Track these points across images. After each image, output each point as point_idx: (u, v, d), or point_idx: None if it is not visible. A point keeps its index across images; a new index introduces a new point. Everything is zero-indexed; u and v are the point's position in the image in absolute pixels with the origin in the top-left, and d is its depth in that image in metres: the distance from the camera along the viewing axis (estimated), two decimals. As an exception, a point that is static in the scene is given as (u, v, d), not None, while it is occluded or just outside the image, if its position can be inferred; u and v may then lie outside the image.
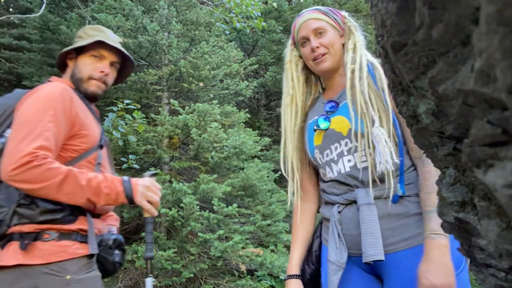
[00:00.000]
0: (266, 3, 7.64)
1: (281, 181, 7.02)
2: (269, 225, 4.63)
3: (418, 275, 1.00)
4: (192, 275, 4.32)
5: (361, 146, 1.16)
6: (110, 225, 1.47)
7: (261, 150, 5.59)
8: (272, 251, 4.88)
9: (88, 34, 1.47)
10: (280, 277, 4.99)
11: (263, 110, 8.44)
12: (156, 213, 1.34)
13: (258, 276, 5.08)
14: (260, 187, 4.82)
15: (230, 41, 6.98)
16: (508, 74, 0.23)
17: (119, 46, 1.47)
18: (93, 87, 1.42)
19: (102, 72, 1.43)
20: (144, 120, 3.82)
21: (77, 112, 1.33)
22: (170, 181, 4.58)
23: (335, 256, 1.14)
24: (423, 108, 0.38)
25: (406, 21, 0.33)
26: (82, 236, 1.25)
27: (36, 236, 1.17)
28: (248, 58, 6.76)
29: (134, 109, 3.59)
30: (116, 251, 1.35)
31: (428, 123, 0.38)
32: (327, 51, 1.26)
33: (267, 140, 5.42)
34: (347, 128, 1.19)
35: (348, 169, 1.19)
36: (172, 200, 4.30)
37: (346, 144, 1.20)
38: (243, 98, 6.36)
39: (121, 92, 5.11)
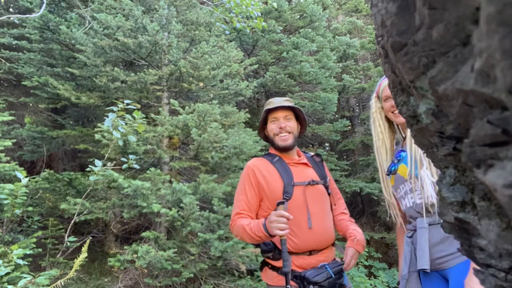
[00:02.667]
0: (266, 3, 7.64)
1: (281, 181, 7.01)
2: (269, 225, 4.62)
3: (464, 283, 1.27)
4: (192, 275, 4.32)
5: (416, 186, 1.49)
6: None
7: (261, 150, 5.59)
8: (272, 251, 4.87)
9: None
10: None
11: (263, 110, 8.43)
12: (284, 233, 1.68)
13: (258, 276, 5.08)
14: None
15: (230, 41, 6.98)
16: (508, 74, 0.23)
17: (282, 104, 1.95)
18: (279, 141, 1.94)
19: (280, 128, 1.93)
20: (144, 120, 3.82)
21: (258, 180, 1.91)
22: (170, 181, 4.58)
23: (401, 271, 1.51)
24: (423, 108, 0.38)
25: (406, 21, 0.33)
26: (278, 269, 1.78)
27: (261, 267, 1.89)
28: (248, 58, 6.76)
29: (134, 109, 3.59)
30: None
31: (428, 123, 0.38)
32: None
33: (267, 140, 5.41)
34: (406, 172, 1.53)
35: (410, 204, 1.54)
36: (172, 200, 4.30)
37: (407, 186, 1.55)
38: (243, 98, 6.36)
39: (121, 92, 5.11)
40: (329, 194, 1.93)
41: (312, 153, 2.09)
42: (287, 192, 1.85)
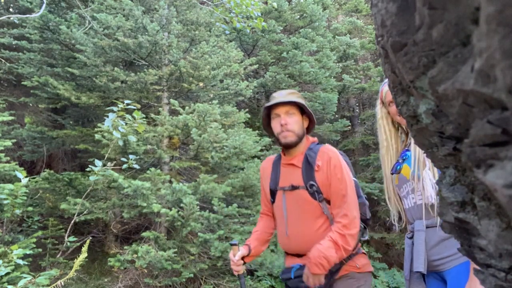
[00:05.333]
0: (266, 3, 7.64)
1: (281, 181, 7.01)
2: (269, 225, 4.62)
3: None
4: (192, 275, 4.32)
5: (417, 187, 1.49)
6: None
7: (261, 150, 5.59)
8: (272, 251, 4.88)
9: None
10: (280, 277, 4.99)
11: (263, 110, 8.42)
12: (239, 271, 1.88)
13: (258, 276, 5.08)
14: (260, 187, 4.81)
15: (230, 41, 6.98)
16: (508, 74, 0.23)
17: (282, 100, 1.80)
18: (281, 139, 1.82)
19: (281, 125, 1.80)
20: (144, 120, 3.82)
21: (262, 182, 1.98)
22: (170, 181, 4.58)
23: (404, 272, 1.52)
24: (423, 108, 0.38)
25: (406, 21, 0.33)
26: None
27: None
28: (248, 58, 6.76)
29: (134, 109, 3.59)
30: None
31: (428, 123, 0.38)
32: None
33: (267, 140, 5.42)
34: (409, 172, 1.52)
35: (411, 205, 1.54)
36: (172, 200, 4.30)
37: (409, 186, 1.54)
38: (243, 98, 6.36)
39: (121, 92, 5.11)
40: (318, 199, 1.74)
41: (326, 149, 1.82)
42: (272, 196, 1.89)
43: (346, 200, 1.69)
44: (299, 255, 1.78)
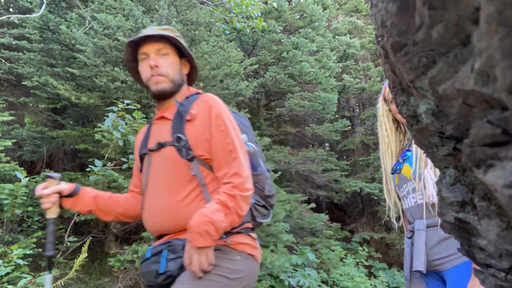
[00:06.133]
0: (266, 3, 7.64)
1: (281, 181, 7.02)
2: (269, 225, 4.63)
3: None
4: (192, 275, 4.32)
5: (418, 186, 1.48)
6: None
7: (261, 150, 5.59)
8: (272, 251, 4.88)
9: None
10: (280, 277, 5.00)
11: (263, 110, 8.44)
12: (49, 211, 1.41)
13: (258, 276, 5.08)
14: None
15: (230, 41, 6.98)
16: (508, 74, 0.23)
17: (151, 33, 1.37)
18: (152, 85, 1.40)
19: (151, 68, 1.37)
20: (144, 120, 3.82)
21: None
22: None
23: (404, 271, 1.50)
24: (423, 108, 0.38)
25: (406, 21, 0.33)
26: None
27: None
28: (248, 58, 6.76)
29: (134, 109, 3.59)
30: None
31: (428, 123, 0.38)
32: None
33: (267, 140, 5.42)
34: (410, 172, 1.52)
35: (412, 204, 1.53)
36: (172, 200, 4.30)
37: (410, 185, 1.54)
38: (243, 98, 6.36)
39: (121, 92, 5.11)
40: (186, 157, 1.30)
41: (207, 96, 1.39)
42: (142, 164, 1.46)
43: (235, 156, 1.27)
44: (160, 237, 1.33)
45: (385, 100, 1.70)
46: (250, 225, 1.39)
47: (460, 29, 0.28)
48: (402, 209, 1.68)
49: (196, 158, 1.30)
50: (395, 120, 1.68)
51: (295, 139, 9.08)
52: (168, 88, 1.39)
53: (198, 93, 1.44)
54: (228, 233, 1.28)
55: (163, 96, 1.40)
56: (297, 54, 7.38)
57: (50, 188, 1.40)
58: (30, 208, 4.26)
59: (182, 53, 1.44)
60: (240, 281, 1.25)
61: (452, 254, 1.37)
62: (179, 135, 1.31)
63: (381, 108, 1.70)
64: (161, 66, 1.37)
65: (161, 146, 1.35)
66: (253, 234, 1.40)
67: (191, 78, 1.52)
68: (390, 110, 1.68)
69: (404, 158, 1.59)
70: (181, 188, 1.29)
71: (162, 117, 1.41)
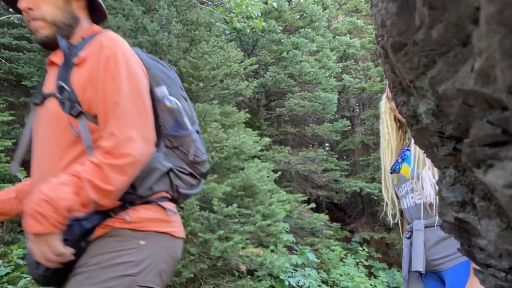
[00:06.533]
0: (266, 3, 7.64)
1: (281, 181, 7.02)
2: (269, 225, 4.63)
3: None
4: (192, 275, 4.32)
5: (416, 186, 1.48)
6: None
7: (261, 150, 5.59)
8: (272, 251, 4.88)
9: None
10: (280, 277, 5.00)
11: (263, 110, 8.44)
12: None
13: (258, 276, 5.08)
14: (260, 187, 4.82)
15: (230, 41, 6.98)
16: (508, 74, 0.23)
17: None
18: (34, 34, 1.12)
19: (25, 12, 1.09)
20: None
21: None
22: (170, 181, 4.57)
23: (403, 272, 1.50)
24: (423, 108, 0.38)
25: (406, 21, 0.33)
26: None
27: None
28: (248, 58, 6.76)
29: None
30: None
31: (428, 123, 0.38)
32: None
33: (267, 140, 5.42)
34: (409, 172, 1.51)
35: (410, 204, 1.53)
36: (172, 200, 4.30)
37: (408, 185, 1.54)
38: (243, 98, 6.36)
39: (121, 92, 5.11)
40: (70, 113, 1.02)
41: (105, 36, 1.08)
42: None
43: (118, 110, 0.98)
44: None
45: (388, 97, 1.71)
46: (166, 195, 1.12)
47: (460, 29, 0.28)
48: (400, 208, 1.68)
49: (86, 114, 1.02)
50: (397, 119, 1.69)
51: (295, 139, 9.08)
52: (49, 34, 1.09)
53: (98, 33, 1.12)
54: (128, 204, 1.02)
55: (48, 46, 1.12)
56: (297, 54, 7.38)
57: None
58: (30, 208, 4.25)
59: None
60: (148, 271, 0.99)
61: (451, 254, 1.37)
62: (62, 83, 1.02)
63: (384, 105, 1.71)
64: (35, 8, 1.06)
65: (44, 98, 1.08)
66: (169, 204, 1.12)
67: (99, 13, 1.20)
68: (392, 108, 1.70)
69: (403, 157, 1.59)
70: (63, 154, 1.02)
71: (51, 62, 1.15)
